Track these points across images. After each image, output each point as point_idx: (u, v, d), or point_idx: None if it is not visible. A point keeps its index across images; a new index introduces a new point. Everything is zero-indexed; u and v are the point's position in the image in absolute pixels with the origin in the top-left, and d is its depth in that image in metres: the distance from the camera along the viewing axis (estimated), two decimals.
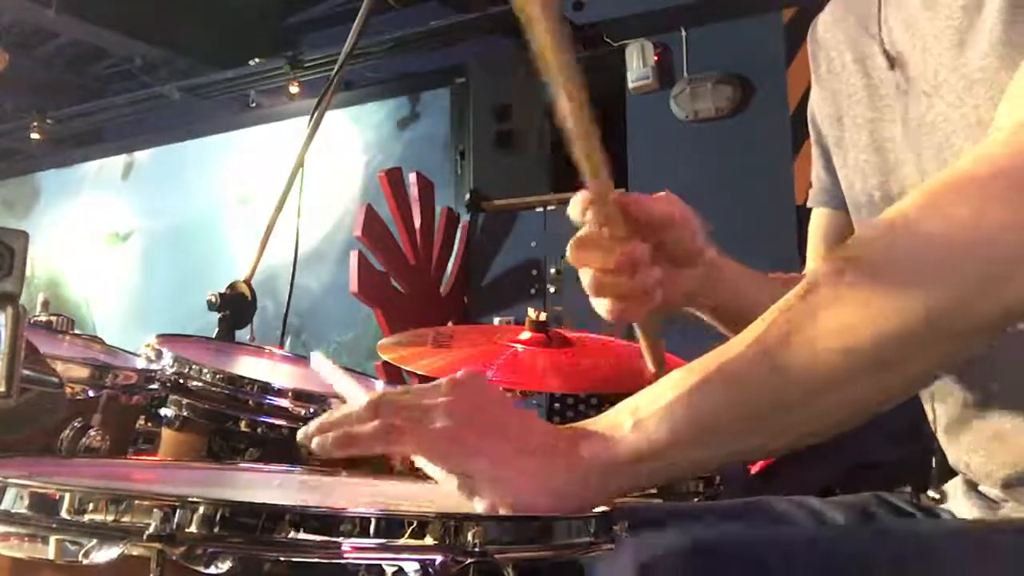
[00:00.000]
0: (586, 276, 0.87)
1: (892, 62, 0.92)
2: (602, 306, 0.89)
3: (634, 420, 0.65)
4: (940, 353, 0.63)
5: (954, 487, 0.96)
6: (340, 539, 0.53)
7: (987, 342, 0.64)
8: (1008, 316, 0.62)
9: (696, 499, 1.53)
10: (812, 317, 0.62)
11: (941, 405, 0.92)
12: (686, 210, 0.91)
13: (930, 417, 0.95)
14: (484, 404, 0.67)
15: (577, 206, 0.84)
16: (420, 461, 0.67)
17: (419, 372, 1.60)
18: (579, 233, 0.85)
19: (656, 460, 0.64)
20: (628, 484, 0.66)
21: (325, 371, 0.87)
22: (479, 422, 0.65)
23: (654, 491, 1.45)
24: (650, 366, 0.95)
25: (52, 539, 0.54)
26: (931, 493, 0.98)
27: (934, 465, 0.96)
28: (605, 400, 2.06)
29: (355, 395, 0.73)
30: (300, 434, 0.66)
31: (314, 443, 0.64)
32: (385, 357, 1.65)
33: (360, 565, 0.53)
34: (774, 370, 0.63)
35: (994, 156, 0.65)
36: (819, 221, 1.13)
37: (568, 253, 0.86)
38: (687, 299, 0.96)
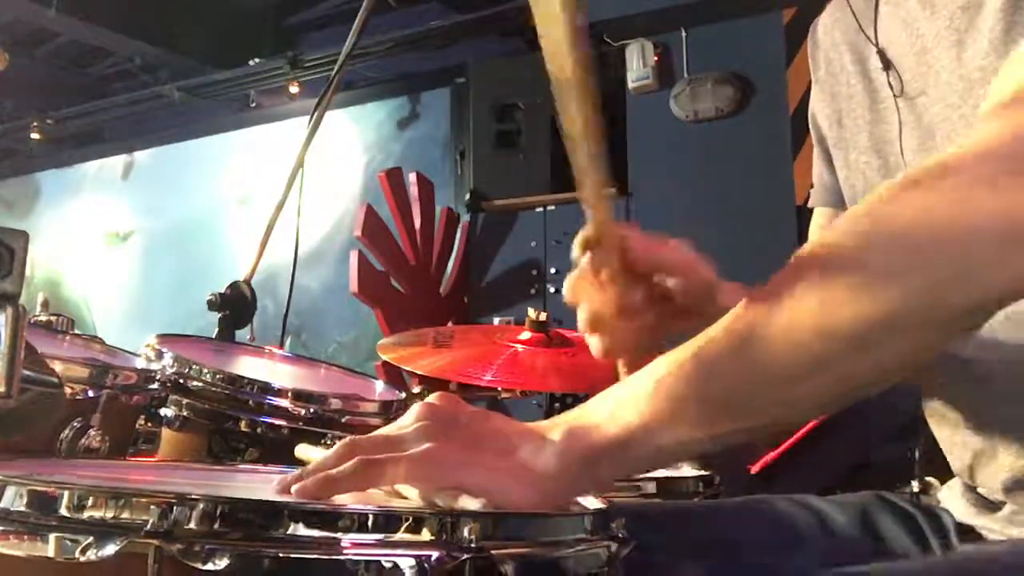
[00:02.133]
0: (581, 313, 0.88)
1: (887, 63, 0.92)
2: (593, 344, 0.90)
3: (612, 407, 0.65)
4: (920, 339, 0.60)
5: (952, 486, 0.96)
6: (338, 535, 0.53)
7: (969, 330, 0.63)
8: (990, 304, 0.59)
9: (696, 499, 1.52)
10: (791, 300, 0.61)
11: (944, 408, 0.91)
12: (692, 258, 0.90)
13: (932, 420, 0.95)
14: (459, 421, 0.67)
15: (577, 245, 0.85)
16: (404, 489, 0.66)
17: (419, 372, 1.60)
18: (575, 271, 0.86)
19: (636, 445, 0.63)
20: (612, 471, 0.65)
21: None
22: (457, 438, 0.65)
23: (654, 491, 1.45)
24: None
25: (51, 536, 0.54)
26: (930, 492, 0.98)
27: (932, 464, 0.95)
28: None
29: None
30: (276, 487, 0.65)
31: (294, 491, 0.62)
32: (385, 357, 1.65)
33: (359, 562, 0.53)
34: (752, 352, 0.61)
35: (981, 136, 0.62)
36: (821, 221, 1.12)
37: (564, 289, 0.87)
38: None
